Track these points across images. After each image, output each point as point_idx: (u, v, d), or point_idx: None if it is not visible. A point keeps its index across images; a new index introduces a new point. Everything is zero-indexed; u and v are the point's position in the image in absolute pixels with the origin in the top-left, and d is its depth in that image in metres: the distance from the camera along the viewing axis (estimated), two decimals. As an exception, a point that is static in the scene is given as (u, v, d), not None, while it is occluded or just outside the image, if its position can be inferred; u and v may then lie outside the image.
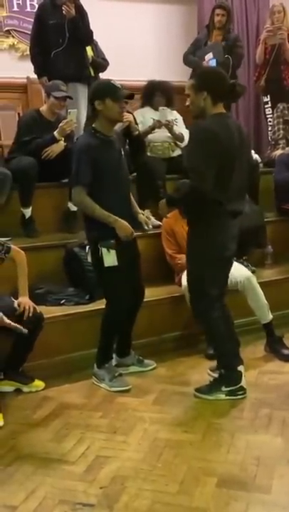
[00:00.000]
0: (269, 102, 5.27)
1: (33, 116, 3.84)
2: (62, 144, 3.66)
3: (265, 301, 3.20)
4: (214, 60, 4.98)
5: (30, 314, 2.71)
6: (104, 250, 2.74)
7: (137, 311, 3.01)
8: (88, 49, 4.46)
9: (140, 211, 3.21)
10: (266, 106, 5.34)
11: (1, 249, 2.82)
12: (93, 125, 2.83)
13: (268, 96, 5.28)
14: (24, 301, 2.76)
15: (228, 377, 2.72)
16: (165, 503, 1.94)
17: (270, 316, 3.22)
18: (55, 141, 3.64)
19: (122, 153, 2.92)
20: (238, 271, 3.21)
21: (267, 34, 5.10)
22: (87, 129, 2.86)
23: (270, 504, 1.92)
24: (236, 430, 2.43)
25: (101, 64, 4.69)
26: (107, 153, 2.78)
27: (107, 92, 2.74)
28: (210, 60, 4.98)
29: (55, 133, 3.63)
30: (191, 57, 5.14)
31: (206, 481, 2.06)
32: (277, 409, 2.60)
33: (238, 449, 2.28)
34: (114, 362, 3.00)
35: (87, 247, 2.95)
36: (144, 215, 3.33)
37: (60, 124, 3.64)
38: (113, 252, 2.74)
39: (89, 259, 2.98)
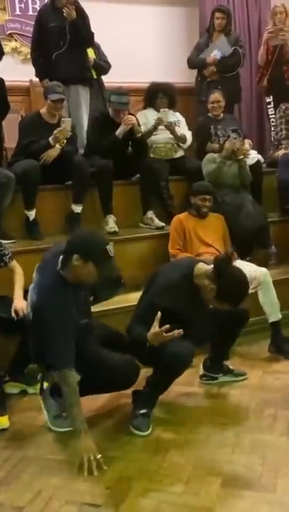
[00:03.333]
0: (272, 103, 5.27)
1: (33, 118, 3.86)
2: (58, 147, 3.67)
3: (277, 300, 3.23)
4: (218, 53, 5.00)
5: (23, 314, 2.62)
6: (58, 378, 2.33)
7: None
8: (90, 51, 4.48)
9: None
10: (269, 106, 5.34)
11: (6, 253, 2.84)
12: (62, 271, 2.33)
13: (271, 96, 5.29)
14: (19, 304, 2.68)
15: None
16: (171, 503, 1.95)
17: (280, 315, 3.24)
18: (50, 146, 3.65)
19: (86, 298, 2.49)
20: (252, 267, 3.33)
21: (269, 35, 5.11)
22: (53, 273, 2.34)
23: (276, 503, 1.93)
24: (241, 430, 2.43)
25: (103, 66, 4.71)
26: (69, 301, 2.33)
27: (96, 256, 2.25)
28: (215, 54, 5.00)
29: (50, 139, 3.65)
30: (196, 58, 5.15)
31: (212, 480, 2.07)
32: (282, 409, 2.60)
33: (243, 449, 2.28)
34: None
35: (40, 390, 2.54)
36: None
37: (54, 132, 3.65)
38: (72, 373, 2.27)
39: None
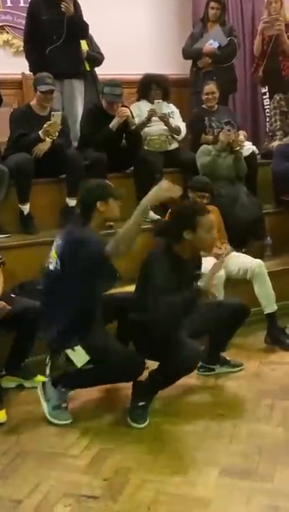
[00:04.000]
0: (267, 93, 5.25)
1: (24, 111, 3.83)
2: (48, 141, 3.65)
3: (272, 291, 3.24)
4: (216, 43, 4.97)
5: None
6: (69, 352, 2.43)
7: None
8: (83, 43, 4.45)
9: None
10: (264, 97, 5.32)
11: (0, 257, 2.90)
12: (91, 227, 2.56)
13: (266, 87, 5.27)
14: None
15: None
16: (169, 494, 1.96)
17: (275, 307, 3.25)
18: (40, 140, 3.63)
19: None
20: (247, 259, 3.36)
21: (264, 25, 5.07)
22: (84, 228, 2.54)
23: (273, 493, 1.94)
24: (238, 421, 2.44)
25: (97, 58, 4.68)
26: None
27: (111, 192, 2.59)
28: (211, 44, 4.97)
29: (40, 133, 3.62)
30: (190, 48, 5.11)
31: (209, 471, 2.08)
32: (278, 399, 2.62)
33: (241, 439, 2.29)
34: None
35: (47, 369, 2.60)
36: None
37: (44, 126, 3.62)
38: (78, 348, 2.42)
39: (47, 371, 2.60)
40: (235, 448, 2.23)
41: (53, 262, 2.54)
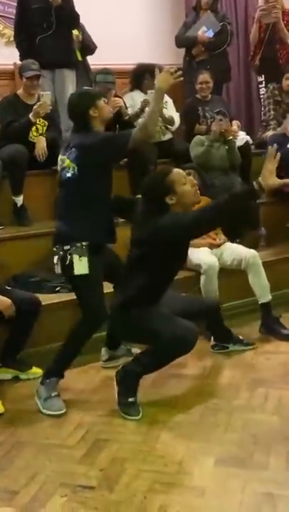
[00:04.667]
0: (263, 82, 5.21)
1: (10, 100, 3.81)
2: (41, 138, 3.65)
3: (267, 281, 3.24)
4: (210, 31, 4.94)
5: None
6: (75, 257, 2.54)
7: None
8: (74, 32, 4.41)
9: None
10: (260, 86, 5.29)
11: None
12: (87, 129, 2.64)
13: (263, 76, 5.23)
14: None
15: None
16: (164, 483, 1.97)
17: (270, 296, 3.25)
18: (30, 123, 3.61)
19: None
20: (242, 249, 3.37)
21: (261, 13, 5.04)
22: (88, 132, 2.63)
23: (268, 481, 1.96)
24: (233, 410, 2.46)
25: (89, 46, 4.64)
26: None
27: (98, 96, 2.67)
28: (206, 32, 4.93)
29: (30, 116, 3.60)
30: (184, 36, 5.06)
31: (205, 460, 2.09)
32: (273, 388, 2.63)
33: (236, 428, 2.31)
34: (105, 356, 2.95)
35: (55, 258, 2.64)
36: None
37: (34, 107, 3.61)
38: (84, 259, 2.54)
39: (56, 270, 2.68)
40: (231, 437, 2.25)
41: (69, 171, 2.60)
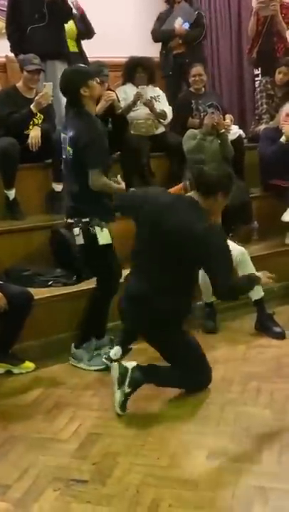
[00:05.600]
0: (260, 75, 5.19)
1: (9, 92, 3.78)
2: (37, 128, 3.62)
3: None
4: (187, 23, 4.90)
5: None
6: (97, 229, 2.75)
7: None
8: (70, 24, 4.37)
9: None
10: (256, 79, 5.26)
11: None
12: (79, 109, 2.76)
13: (259, 68, 5.21)
14: None
15: None
16: (157, 477, 1.98)
17: (262, 293, 3.24)
18: (32, 114, 3.59)
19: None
20: (231, 246, 3.27)
21: (259, 5, 5.01)
22: (81, 115, 2.75)
23: (260, 474, 1.97)
24: (226, 403, 2.47)
25: (88, 28, 4.59)
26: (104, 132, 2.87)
27: (90, 74, 2.80)
28: (182, 24, 4.89)
29: (32, 106, 3.58)
30: (160, 29, 4.98)
31: (197, 453, 2.10)
32: (265, 382, 2.64)
33: (228, 422, 2.32)
34: (93, 344, 2.97)
35: (76, 229, 2.79)
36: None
37: (36, 98, 3.59)
38: (106, 230, 2.76)
39: (78, 240, 2.81)
40: (223, 430, 2.26)
41: (67, 152, 2.79)
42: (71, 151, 2.75)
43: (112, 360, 2.64)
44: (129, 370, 2.39)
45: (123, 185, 2.86)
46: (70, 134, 2.74)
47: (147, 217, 2.49)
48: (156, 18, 5.08)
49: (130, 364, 2.42)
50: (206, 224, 2.39)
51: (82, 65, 2.95)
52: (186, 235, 2.35)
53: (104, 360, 2.78)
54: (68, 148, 2.77)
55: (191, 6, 5.04)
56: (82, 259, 2.91)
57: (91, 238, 2.75)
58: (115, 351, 2.69)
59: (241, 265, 3.22)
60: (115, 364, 2.46)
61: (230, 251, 2.41)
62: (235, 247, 3.29)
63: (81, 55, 4.61)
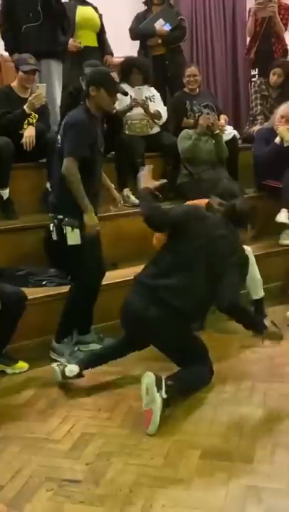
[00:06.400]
0: (256, 76, 5.20)
1: (5, 91, 3.77)
2: (31, 127, 3.61)
3: (260, 277, 3.23)
4: (168, 25, 4.87)
5: None
6: (68, 229, 2.78)
7: (99, 288, 3.02)
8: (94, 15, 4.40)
9: (113, 186, 3.26)
10: (253, 79, 5.27)
11: None
12: (83, 103, 2.87)
13: (256, 69, 5.22)
14: None
15: None
16: (150, 477, 1.98)
17: (262, 293, 3.24)
18: (25, 115, 3.58)
19: (99, 133, 2.96)
20: None
21: (257, 6, 5.03)
22: (80, 106, 2.87)
23: (253, 473, 1.97)
24: (219, 403, 2.47)
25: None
26: (94, 131, 2.86)
27: (105, 83, 2.81)
28: (163, 25, 4.86)
29: (25, 107, 3.57)
30: (139, 27, 4.92)
31: (190, 453, 2.10)
32: (258, 381, 2.65)
33: (221, 422, 2.32)
34: (75, 339, 3.05)
35: (51, 225, 2.89)
36: (124, 194, 3.29)
37: (29, 98, 3.58)
38: (77, 230, 2.78)
39: (53, 236, 2.90)
40: (216, 430, 2.26)
41: (58, 141, 2.89)
42: (60, 140, 2.83)
43: (65, 377, 2.57)
44: (163, 379, 2.32)
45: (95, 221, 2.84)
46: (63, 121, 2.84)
47: (194, 230, 2.52)
48: (134, 18, 5.02)
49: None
50: (239, 242, 2.59)
51: (110, 72, 2.98)
52: (225, 247, 2.47)
53: (58, 374, 2.60)
54: (59, 136, 2.86)
55: (173, 8, 5.03)
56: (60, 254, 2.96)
57: (62, 236, 2.81)
58: (71, 368, 2.56)
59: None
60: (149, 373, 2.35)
61: (245, 275, 2.59)
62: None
63: (101, 50, 4.58)
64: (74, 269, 2.94)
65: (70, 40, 4.26)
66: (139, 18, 4.98)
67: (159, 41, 4.88)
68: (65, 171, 2.76)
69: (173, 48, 4.94)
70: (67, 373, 2.56)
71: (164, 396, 2.26)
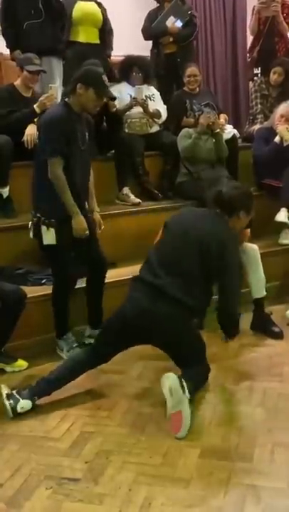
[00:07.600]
0: (259, 74, 5.19)
1: (8, 90, 3.76)
2: (33, 125, 3.60)
3: (263, 275, 3.23)
4: (179, 21, 4.88)
5: None
6: (43, 228, 2.78)
7: (101, 283, 3.03)
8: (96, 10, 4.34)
9: (97, 209, 3.09)
10: (255, 78, 5.27)
11: None
12: (66, 99, 2.83)
13: (259, 68, 5.21)
14: None
15: None
16: (149, 475, 1.98)
17: (265, 292, 3.24)
18: (34, 115, 3.58)
19: (87, 136, 2.90)
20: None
21: (260, 5, 5.02)
22: (60, 101, 2.86)
23: (252, 472, 1.98)
24: (218, 402, 2.47)
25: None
26: (72, 127, 2.78)
27: (95, 83, 2.75)
28: (174, 22, 4.87)
29: (35, 107, 3.57)
30: (151, 27, 4.93)
31: (189, 452, 2.10)
32: (257, 380, 2.65)
33: (220, 421, 2.32)
34: (87, 332, 3.09)
35: (30, 222, 2.88)
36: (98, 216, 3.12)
37: (41, 99, 3.57)
38: (52, 230, 2.77)
39: (30, 234, 2.90)
40: (216, 429, 2.26)
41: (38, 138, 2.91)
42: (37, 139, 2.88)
43: (16, 413, 2.38)
44: (183, 379, 2.30)
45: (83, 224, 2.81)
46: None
47: (180, 224, 2.52)
48: (146, 16, 5.03)
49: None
50: (230, 232, 2.54)
51: (104, 75, 2.86)
52: (215, 240, 2.42)
53: (9, 412, 2.39)
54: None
55: (184, 5, 5.03)
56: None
57: (38, 236, 2.83)
58: (22, 405, 2.39)
59: (253, 264, 3.19)
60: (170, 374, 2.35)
61: (241, 268, 2.58)
62: (246, 243, 3.28)
63: (103, 47, 4.51)
64: (51, 267, 2.99)
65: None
66: (151, 17, 4.98)
67: (171, 39, 4.89)
68: (51, 175, 2.74)
69: (184, 45, 4.94)
70: (19, 410, 2.39)
71: (188, 396, 2.24)
